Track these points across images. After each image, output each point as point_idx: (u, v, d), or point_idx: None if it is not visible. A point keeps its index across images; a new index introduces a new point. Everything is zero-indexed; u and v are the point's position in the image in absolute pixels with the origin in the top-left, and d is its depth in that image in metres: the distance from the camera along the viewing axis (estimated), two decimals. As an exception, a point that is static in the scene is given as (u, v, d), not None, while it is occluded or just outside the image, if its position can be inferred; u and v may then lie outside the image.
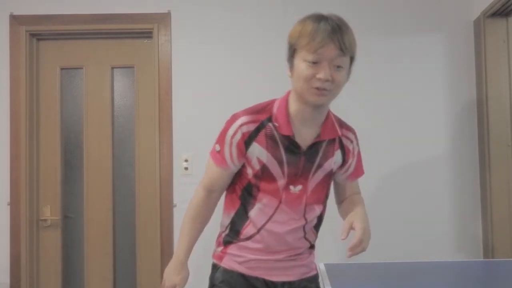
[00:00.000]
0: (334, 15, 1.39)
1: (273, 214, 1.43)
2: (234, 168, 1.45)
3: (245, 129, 1.39)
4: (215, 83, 2.68)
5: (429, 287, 1.58)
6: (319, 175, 1.45)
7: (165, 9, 2.71)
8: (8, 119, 2.67)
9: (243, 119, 1.40)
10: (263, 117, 1.41)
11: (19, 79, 2.68)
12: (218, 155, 1.44)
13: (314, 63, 1.29)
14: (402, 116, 2.67)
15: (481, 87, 2.57)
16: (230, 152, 1.42)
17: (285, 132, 1.38)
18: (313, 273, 1.56)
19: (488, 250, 2.51)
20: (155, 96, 2.69)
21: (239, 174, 1.47)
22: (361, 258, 2.46)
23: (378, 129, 2.65)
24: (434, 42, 2.68)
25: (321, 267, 1.81)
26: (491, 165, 2.51)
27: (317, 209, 1.48)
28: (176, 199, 2.66)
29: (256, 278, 1.46)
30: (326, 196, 1.52)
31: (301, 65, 1.32)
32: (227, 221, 1.50)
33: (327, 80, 1.29)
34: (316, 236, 1.55)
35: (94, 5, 2.71)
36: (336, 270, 1.77)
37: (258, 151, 1.40)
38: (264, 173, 1.41)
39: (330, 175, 1.48)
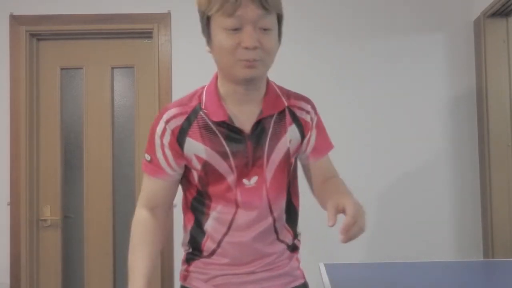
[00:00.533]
0: None
1: (231, 223, 1.18)
2: (174, 174, 1.21)
3: (173, 124, 1.15)
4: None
5: (429, 287, 1.58)
6: (275, 159, 1.19)
7: (165, 9, 2.71)
8: (8, 119, 2.68)
9: (168, 113, 1.16)
10: (192, 105, 1.17)
11: (19, 79, 2.68)
12: (151, 165, 1.21)
13: (235, 29, 1.05)
14: (402, 116, 2.67)
15: (481, 87, 2.57)
16: (165, 156, 1.18)
17: (218, 117, 1.14)
18: (299, 282, 1.29)
19: (488, 250, 2.52)
20: (155, 96, 2.69)
21: (187, 182, 1.24)
22: (361, 258, 2.47)
23: (378, 129, 2.65)
24: (434, 42, 2.68)
25: (321, 267, 1.81)
26: (491, 165, 2.51)
27: (282, 200, 1.22)
28: (176, 199, 2.65)
29: None
30: (290, 182, 1.24)
31: (220, 35, 1.07)
32: (187, 238, 1.26)
33: (255, 48, 1.05)
34: (292, 234, 1.27)
35: (94, 5, 2.71)
36: (336, 270, 1.77)
37: (194, 147, 1.15)
38: (209, 173, 1.17)
39: (288, 156, 1.21)
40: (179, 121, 1.16)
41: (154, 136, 1.18)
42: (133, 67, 2.81)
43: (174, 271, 2.63)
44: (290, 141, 1.21)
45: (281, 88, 1.26)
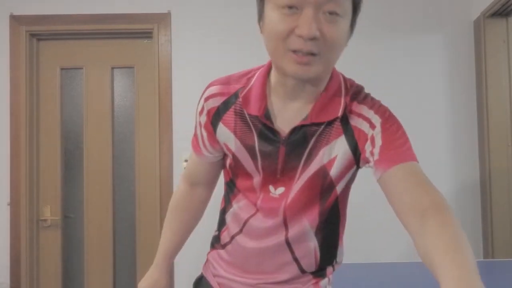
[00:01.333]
0: None
1: (245, 223, 1.05)
2: (210, 155, 1.08)
3: (210, 104, 1.01)
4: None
5: (429, 287, 1.58)
6: (308, 174, 0.97)
7: (165, 9, 2.71)
8: (8, 119, 2.67)
9: (210, 90, 1.02)
10: (235, 88, 0.99)
11: (19, 79, 2.68)
12: (194, 140, 1.11)
13: (291, 8, 0.82)
14: (401, 116, 2.64)
15: (481, 87, 2.57)
16: (201, 135, 1.07)
17: (254, 110, 0.95)
18: None
19: (488, 250, 2.52)
20: (155, 96, 2.69)
21: (224, 165, 1.11)
22: (361, 258, 2.47)
23: (378, 129, 2.65)
24: (434, 42, 2.68)
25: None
26: (491, 165, 2.51)
27: (305, 221, 1.01)
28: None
29: None
30: (321, 200, 1.00)
31: (273, 14, 0.84)
32: (219, 219, 1.15)
33: (313, 38, 0.82)
34: (317, 262, 1.05)
35: (94, 5, 2.71)
36: (336, 270, 1.77)
37: (225, 135, 1.01)
38: (237, 166, 1.02)
39: (323, 176, 0.97)
40: (217, 101, 1.00)
41: (196, 113, 1.07)
42: (133, 67, 2.81)
43: (174, 267, 2.63)
44: (335, 158, 0.95)
45: (352, 85, 1.00)
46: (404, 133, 0.96)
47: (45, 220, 2.75)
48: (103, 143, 2.78)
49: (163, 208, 2.65)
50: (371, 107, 0.97)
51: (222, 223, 1.12)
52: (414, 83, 2.67)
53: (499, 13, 2.47)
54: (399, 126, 0.97)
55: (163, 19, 2.70)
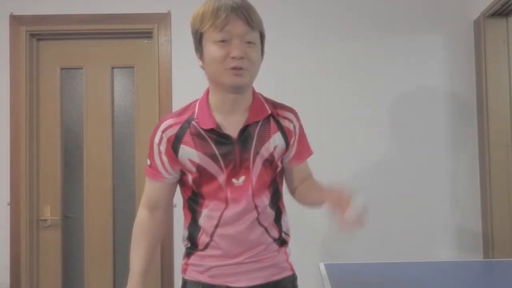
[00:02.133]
0: None
1: (220, 217, 1.34)
2: (170, 177, 1.38)
3: (169, 133, 1.33)
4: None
5: (429, 287, 1.58)
6: (260, 160, 1.34)
7: (165, 9, 2.71)
8: (8, 119, 2.67)
9: (165, 124, 1.34)
10: (185, 117, 1.34)
11: (19, 79, 2.68)
12: (150, 169, 1.38)
13: (224, 41, 1.22)
14: (401, 116, 2.67)
15: (481, 87, 2.57)
16: (162, 161, 1.35)
17: (207, 125, 1.30)
18: (287, 273, 1.43)
19: (488, 250, 2.52)
20: (155, 96, 2.69)
21: (182, 184, 1.41)
22: (361, 258, 2.47)
23: (378, 128, 2.65)
24: (434, 42, 2.68)
25: (321, 267, 1.81)
26: (491, 165, 2.51)
27: (265, 198, 1.36)
28: (176, 199, 2.65)
29: (221, 286, 1.36)
30: (272, 183, 1.39)
31: (211, 47, 1.24)
32: (186, 234, 1.43)
33: (241, 57, 1.22)
34: (279, 231, 1.42)
35: (94, 5, 2.71)
36: (336, 270, 1.77)
37: (188, 153, 1.32)
38: (202, 174, 1.32)
39: (272, 159, 1.36)
40: (174, 130, 1.32)
41: (153, 144, 1.35)
42: (133, 67, 2.81)
43: (174, 266, 2.63)
44: (275, 147, 1.36)
45: (266, 99, 1.41)
46: (304, 130, 1.46)
47: (45, 220, 2.75)
48: (103, 143, 2.78)
49: (163, 208, 2.65)
50: (290, 111, 1.42)
51: (195, 232, 1.39)
52: (414, 83, 2.67)
53: (499, 13, 2.47)
54: (302, 126, 1.46)
55: (163, 19, 2.70)
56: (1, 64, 2.69)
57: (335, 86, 2.67)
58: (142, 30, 2.73)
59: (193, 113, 1.34)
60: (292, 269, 1.45)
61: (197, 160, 1.31)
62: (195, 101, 1.39)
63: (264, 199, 1.36)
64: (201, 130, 1.31)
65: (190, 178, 1.35)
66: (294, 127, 1.41)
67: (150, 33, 2.72)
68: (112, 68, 2.81)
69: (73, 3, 2.71)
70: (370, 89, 2.67)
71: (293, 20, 2.70)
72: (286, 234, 1.46)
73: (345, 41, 2.69)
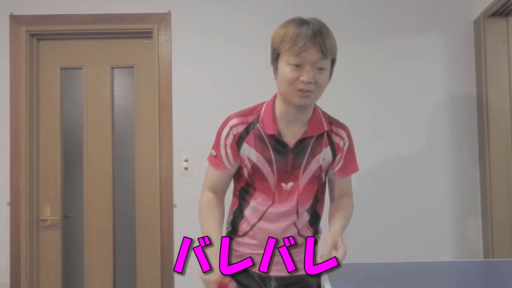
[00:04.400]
0: (315, 19, 1.43)
1: (264, 213, 1.50)
2: (231, 169, 1.53)
3: (235, 130, 1.48)
4: (215, 83, 2.68)
5: (429, 287, 1.58)
6: (310, 171, 1.49)
7: (165, 9, 2.71)
8: (8, 119, 2.67)
9: (233, 121, 1.49)
10: (251, 118, 1.49)
11: (19, 79, 2.68)
12: (215, 159, 1.53)
13: (297, 66, 1.35)
14: (402, 116, 2.67)
15: (481, 87, 2.57)
16: (226, 154, 1.51)
17: (270, 131, 1.46)
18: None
19: (488, 250, 2.52)
20: (155, 96, 2.69)
21: (238, 175, 1.56)
22: (361, 258, 2.46)
23: (378, 128, 2.65)
24: (434, 42, 2.68)
25: (321, 267, 1.81)
26: (491, 165, 2.51)
27: (307, 204, 1.53)
28: (176, 199, 2.66)
29: (253, 272, 1.52)
30: (318, 191, 1.55)
31: (285, 68, 1.37)
32: (230, 218, 1.59)
33: (310, 82, 1.36)
34: (312, 232, 1.57)
35: (94, 5, 2.71)
36: (336, 270, 1.76)
37: (248, 151, 1.48)
38: (256, 172, 1.48)
39: (319, 171, 1.51)
40: (240, 129, 1.48)
41: (220, 137, 1.51)
42: (133, 67, 2.81)
43: (174, 266, 2.63)
44: (323, 160, 1.50)
45: (325, 114, 1.56)
46: (353, 147, 1.59)
47: (45, 220, 2.75)
48: (103, 143, 2.78)
49: (163, 208, 2.65)
50: (343, 129, 1.56)
51: (238, 219, 1.56)
52: (414, 83, 2.67)
53: (499, 13, 2.47)
54: (353, 143, 1.59)
55: (163, 19, 2.70)
56: (1, 64, 2.69)
57: (335, 86, 2.66)
58: (142, 30, 2.73)
59: (258, 116, 1.49)
60: None
61: (254, 159, 1.48)
62: (261, 104, 1.52)
63: (306, 206, 1.53)
64: (263, 134, 1.47)
65: (245, 171, 1.51)
66: (344, 144, 1.54)
67: (150, 33, 2.72)
68: (112, 68, 2.81)
69: (73, 3, 2.71)
70: (370, 89, 2.67)
71: (293, 20, 2.69)
72: (317, 235, 1.60)
73: (345, 41, 2.68)
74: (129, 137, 2.81)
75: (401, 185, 2.64)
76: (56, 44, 2.80)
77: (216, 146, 1.52)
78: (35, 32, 2.74)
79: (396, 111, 2.67)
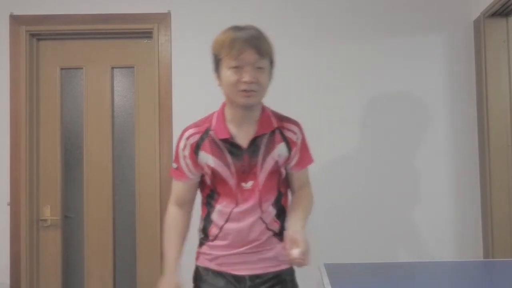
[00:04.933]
0: (251, 26, 1.53)
1: (230, 214, 1.57)
2: (194, 177, 1.62)
3: (191, 140, 1.58)
4: (215, 83, 2.67)
5: (429, 287, 1.58)
6: (266, 168, 1.56)
7: (165, 9, 2.71)
8: (8, 119, 2.67)
9: (188, 132, 1.59)
10: (204, 127, 1.58)
11: (19, 79, 2.68)
12: (177, 172, 1.62)
13: (237, 68, 1.46)
14: (401, 116, 2.67)
15: (481, 87, 2.57)
16: (186, 164, 1.59)
17: (222, 135, 1.55)
18: (284, 266, 1.62)
19: (488, 250, 2.52)
20: (155, 96, 2.69)
21: (202, 184, 1.64)
22: (361, 258, 2.47)
23: (378, 129, 2.65)
24: (434, 42, 2.68)
25: (321, 267, 1.81)
26: (491, 165, 2.51)
27: (269, 199, 1.59)
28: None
29: (226, 273, 1.59)
30: (281, 186, 1.62)
31: (227, 72, 1.48)
32: (201, 226, 1.66)
33: (252, 82, 1.46)
34: (279, 225, 1.62)
35: (94, 5, 2.71)
36: (336, 270, 1.77)
37: (205, 158, 1.56)
38: (216, 177, 1.57)
39: (277, 167, 1.58)
40: (195, 138, 1.57)
41: (178, 150, 1.60)
42: (133, 67, 2.81)
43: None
44: (279, 155, 1.57)
45: (274, 113, 1.63)
46: (306, 141, 1.67)
47: (45, 220, 2.75)
48: (103, 143, 2.78)
49: (163, 208, 2.64)
50: (294, 124, 1.63)
51: (207, 224, 1.62)
52: (414, 83, 2.67)
53: (499, 13, 2.47)
54: (305, 137, 1.66)
55: (163, 19, 2.70)
56: (1, 64, 2.69)
57: (333, 86, 2.67)
58: (142, 30, 2.73)
59: (210, 124, 1.58)
60: (290, 263, 1.60)
61: (212, 164, 1.55)
62: (213, 113, 1.62)
63: (269, 201, 1.58)
64: (217, 140, 1.55)
65: (207, 179, 1.60)
66: (297, 138, 1.62)
67: (150, 33, 2.72)
68: (112, 68, 2.81)
69: (73, 3, 2.71)
70: (370, 90, 2.67)
71: (293, 20, 2.70)
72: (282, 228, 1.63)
73: (345, 41, 2.69)
74: (129, 137, 2.81)
75: (401, 184, 2.64)
76: (56, 44, 2.80)
77: (176, 159, 1.61)
78: (35, 32, 2.74)
79: (396, 111, 2.67)
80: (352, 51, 2.68)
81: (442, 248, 2.61)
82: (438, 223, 2.63)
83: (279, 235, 1.61)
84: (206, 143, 1.56)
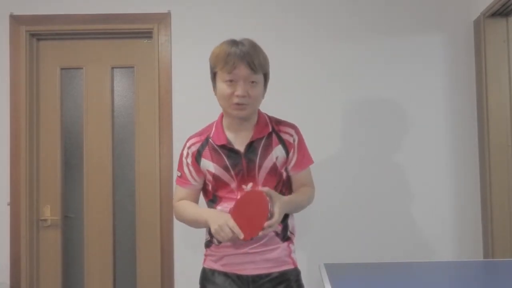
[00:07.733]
0: (247, 39, 1.60)
1: None
2: (197, 184, 1.70)
3: (193, 148, 1.68)
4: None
5: (429, 287, 1.58)
6: (264, 170, 1.63)
7: (165, 9, 2.71)
8: (8, 119, 2.68)
9: (191, 141, 1.70)
10: (204, 136, 1.68)
11: (19, 79, 2.69)
12: (181, 179, 1.71)
13: (231, 81, 1.54)
14: (401, 116, 2.67)
15: (481, 87, 2.57)
16: (190, 171, 1.69)
17: (220, 142, 1.64)
18: (288, 267, 1.67)
19: (488, 250, 2.52)
20: (155, 96, 2.69)
21: (204, 190, 1.73)
22: (361, 258, 2.47)
23: (378, 129, 2.65)
24: (434, 42, 2.68)
25: (321, 267, 1.81)
26: (491, 165, 2.51)
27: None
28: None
29: (231, 274, 1.64)
30: (279, 186, 1.66)
31: (222, 85, 1.57)
32: (207, 228, 1.69)
33: (244, 96, 1.54)
34: (283, 226, 1.65)
35: (94, 5, 2.71)
36: (336, 270, 1.77)
37: (207, 164, 1.65)
38: (217, 181, 1.64)
39: (275, 168, 1.65)
40: (197, 146, 1.68)
41: (182, 158, 1.71)
42: (133, 67, 2.81)
43: (174, 266, 2.63)
44: (277, 158, 1.64)
45: (271, 118, 1.71)
46: (304, 142, 1.72)
47: (45, 220, 2.75)
48: (103, 143, 2.78)
49: (163, 208, 2.65)
50: (291, 127, 1.70)
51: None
52: (414, 83, 2.67)
53: (499, 13, 2.47)
54: (302, 138, 1.72)
55: (163, 19, 2.70)
56: (1, 64, 2.69)
57: (333, 87, 2.67)
58: (142, 30, 2.73)
59: (210, 133, 1.68)
60: (295, 264, 1.69)
61: (213, 170, 1.64)
62: (213, 122, 1.71)
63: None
64: (216, 146, 1.64)
65: (210, 185, 1.68)
66: (294, 140, 1.68)
67: (150, 33, 2.72)
68: (112, 68, 2.81)
69: (73, 3, 2.71)
70: (370, 90, 2.67)
71: (292, 21, 2.70)
72: (291, 232, 1.70)
73: (344, 41, 2.69)
74: (129, 137, 2.81)
75: (401, 185, 2.64)
76: (56, 44, 2.80)
77: (180, 167, 1.71)
78: (35, 32, 2.74)
79: (396, 112, 2.67)
80: (352, 52, 2.68)
81: (442, 248, 2.61)
82: (438, 223, 2.63)
83: (282, 235, 1.65)
84: (207, 150, 1.65)
